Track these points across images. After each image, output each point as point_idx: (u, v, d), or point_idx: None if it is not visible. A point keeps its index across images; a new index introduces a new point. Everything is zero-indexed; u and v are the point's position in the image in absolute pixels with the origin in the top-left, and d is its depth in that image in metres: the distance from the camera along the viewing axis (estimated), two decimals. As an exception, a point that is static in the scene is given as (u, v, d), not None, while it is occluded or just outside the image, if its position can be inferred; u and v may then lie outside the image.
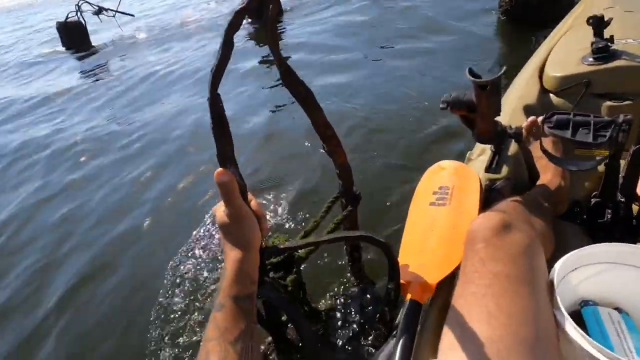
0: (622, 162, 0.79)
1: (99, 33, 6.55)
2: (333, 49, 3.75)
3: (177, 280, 1.48)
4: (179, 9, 7.57)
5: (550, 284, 0.58)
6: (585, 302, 0.64)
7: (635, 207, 0.84)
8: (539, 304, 0.53)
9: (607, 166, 0.79)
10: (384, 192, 1.71)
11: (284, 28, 4.94)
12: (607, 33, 1.15)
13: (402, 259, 0.79)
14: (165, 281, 1.49)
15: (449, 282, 0.73)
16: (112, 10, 6.53)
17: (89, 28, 6.25)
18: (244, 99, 3.07)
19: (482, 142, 0.97)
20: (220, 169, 0.54)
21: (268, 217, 1.68)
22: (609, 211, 0.84)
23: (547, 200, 0.84)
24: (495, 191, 0.94)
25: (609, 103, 1.12)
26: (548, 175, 0.92)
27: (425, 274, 0.73)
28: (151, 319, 1.35)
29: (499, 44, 3.29)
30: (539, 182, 0.91)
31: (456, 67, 2.73)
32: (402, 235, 0.90)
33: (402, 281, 0.74)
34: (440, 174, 0.96)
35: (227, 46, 0.50)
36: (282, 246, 0.78)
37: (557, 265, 0.60)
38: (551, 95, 1.21)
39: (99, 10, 6.70)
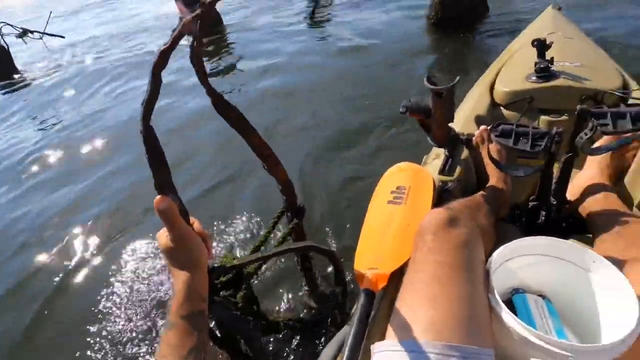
0: (555, 170, 0.87)
1: (24, 57, 6.08)
2: (273, 55, 3.89)
3: (122, 303, 1.46)
4: (114, 27, 7.24)
5: (487, 273, 0.64)
6: (515, 290, 0.71)
7: (565, 210, 0.93)
8: (477, 290, 0.59)
9: (542, 173, 0.87)
10: (343, 195, 1.80)
11: (226, 38, 4.99)
12: (548, 55, 1.27)
13: (359, 253, 0.84)
14: (110, 305, 1.46)
15: (401, 273, 0.77)
16: (38, 32, 6.11)
17: (12, 52, 5.78)
18: (191, 111, 3.06)
19: (437, 146, 1.02)
20: (158, 197, 0.56)
21: (217, 236, 1.69)
22: (544, 213, 0.92)
23: (492, 203, 0.90)
24: (447, 192, 1.00)
25: (548, 117, 1.22)
26: (494, 179, 0.99)
27: (380, 265, 0.77)
28: (95, 344, 1.33)
29: (428, 50, 3.54)
30: (486, 186, 0.99)
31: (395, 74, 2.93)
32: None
33: (358, 272, 0.78)
34: (399, 175, 1.00)
35: (155, 82, 0.54)
36: (229, 265, 0.82)
37: (493, 255, 0.66)
38: (501, 108, 1.32)
39: (24, 33, 6.25)
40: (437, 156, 1.12)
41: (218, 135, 2.44)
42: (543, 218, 0.92)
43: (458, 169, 1.06)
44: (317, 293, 1.17)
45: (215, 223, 1.77)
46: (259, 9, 6.11)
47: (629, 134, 0.79)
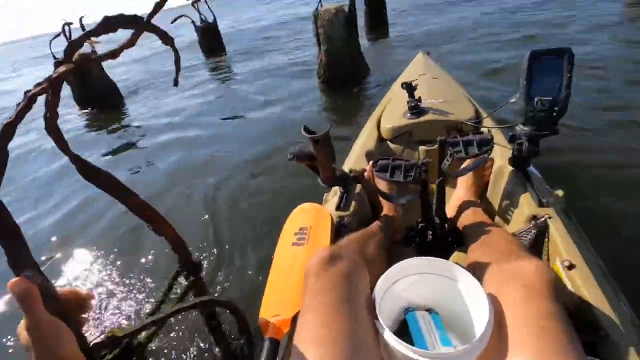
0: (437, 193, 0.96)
1: None
2: (174, 114, 3.95)
3: None
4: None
5: (373, 300, 0.68)
6: (407, 309, 0.76)
7: (448, 226, 1.02)
8: (360, 321, 0.63)
9: (421, 197, 0.94)
10: (250, 241, 1.80)
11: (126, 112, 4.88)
12: (418, 94, 1.46)
13: (265, 299, 0.85)
14: None
15: None
16: None
17: None
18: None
19: (327, 185, 1.06)
20: (12, 280, 0.46)
21: (109, 308, 1.54)
22: (430, 233, 1.00)
23: (385, 230, 0.96)
24: (344, 226, 1.04)
25: (425, 147, 1.38)
26: (385, 208, 1.07)
27: (283, 311, 0.79)
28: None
29: (322, 104, 3.95)
30: (380, 215, 1.06)
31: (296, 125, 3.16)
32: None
33: (262, 320, 0.78)
34: (301, 215, 1.04)
35: (1, 156, 0.53)
36: (111, 337, 0.75)
37: (378, 282, 0.70)
38: (388, 142, 1.46)
39: None
40: (335, 193, 1.19)
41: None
42: (430, 237, 1.00)
43: (353, 203, 1.12)
44: (228, 350, 1.12)
45: (105, 293, 1.62)
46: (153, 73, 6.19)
47: (479, 156, 0.92)
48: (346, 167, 1.31)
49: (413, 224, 1.04)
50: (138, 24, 0.61)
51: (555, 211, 0.94)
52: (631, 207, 1.56)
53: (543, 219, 0.92)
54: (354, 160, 1.36)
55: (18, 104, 0.55)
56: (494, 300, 0.64)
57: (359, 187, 1.15)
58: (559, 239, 0.86)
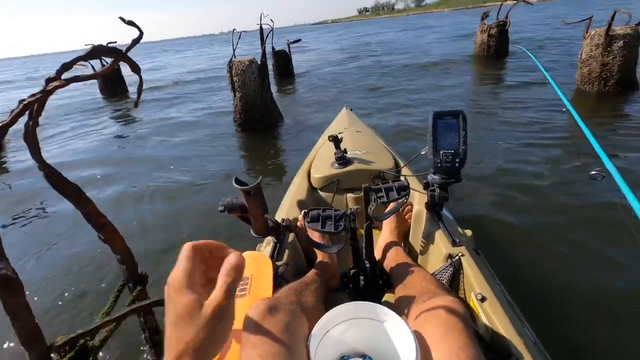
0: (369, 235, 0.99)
1: None
2: (96, 166, 3.64)
3: None
4: None
5: (308, 349, 0.69)
6: (342, 357, 0.76)
7: (378, 269, 1.06)
8: None
9: (351, 245, 0.98)
10: None
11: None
12: (343, 146, 1.55)
13: None
14: None
15: None
16: None
17: None
18: None
19: (260, 236, 1.05)
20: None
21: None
22: (362, 277, 1.03)
23: (320, 278, 0.97)
24: (279, 277, 1.02)
25: (352, 195, 1.46)
26: (319, 256, 1.10)
27: None
28: None
29: (239, 146, 4.14)
30: (316, 263, 1.08)
31: (223, 177, 3.24)
32: None
33: None
34: None
35: None
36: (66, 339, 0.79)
37: (313, 331, 0.71)
38: (319, 191, 1.52)
39: None
40: (268, 243, 1.16)
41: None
42: (363, 281, 1.04)
43: (287, 252, 1.11)
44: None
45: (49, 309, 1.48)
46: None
47: (399, 201, 0.98)
48: (279, 216, 1.36)
49: (346, 270, 1.06)
50: (117, 54, 0.77)
51: (467, 249, 1.04)
52: (521, 236, 1.90)
53: (457, 257, 1.01)
54: (287, 209, 1.38)
55: (12, 110, 0.65)
56: (419, 338, 0.68)
57: (292, 236, 1.17)
58: (471, 274, 0.95)
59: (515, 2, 7.58)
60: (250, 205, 0.94)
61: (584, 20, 4.35)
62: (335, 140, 1.52)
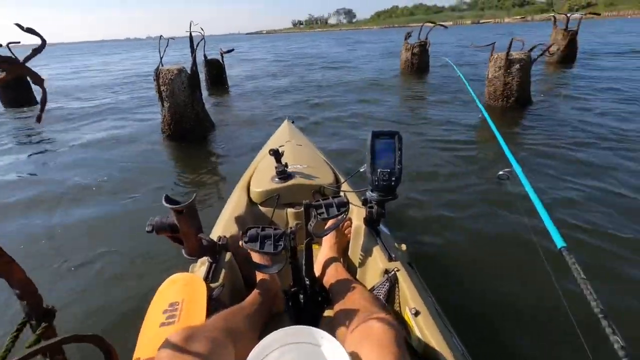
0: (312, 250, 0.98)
1: None
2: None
3: None
4: None
5: None
6: None
7: (317, 286, 1.05)
8: None
9: (290, 263, 0.95)
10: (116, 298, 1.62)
11: None
12: (284, 160, 1.51)
13: None
14: None
15: None
16: None
17: None
18: None
19: (193, 257, 0.99)
20: None
21: None
22: (302, 295, 1.01)
23: (262, 300, 0.94)
24: (214, 300, 0.95)
25: (292, 209, 1.42)
26: (259, 277, 1.05)
27: None
28: None
29: (171, 164, 3.89)
30: (257, 282, 1.04)
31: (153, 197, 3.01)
32: None
33: None
34: (171, 289, 0.92)
35: None
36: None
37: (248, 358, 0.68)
38: (259, 206, 1.47)
39: None
40: (202, 263, 1.09)
41: None
42: (302, 299, 1.01)
43: (223, 273, 1.05)
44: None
45: None
46: None
47: (338, 217, 0.98)
48: (215, 233, 1.29)
49: (286, 288, 1.04)
50: (12, 65, 0.69)
51: (402, 264, 1.06)
52: (454, 250, 2.00)
53: (393, 272, 1.03)
54: (224, 225, 1.31)
55: None
56: (355, 358, 0.69)
57: (229, 254, 1.11)
58: (406, 289, 0.98)
59: (433, 24, 8.38)
60: (182, 225, 0.87)
61: (488, 45, 4.96)
62: (276, 154, 1.48)
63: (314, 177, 1.52)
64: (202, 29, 4.95)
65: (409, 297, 0.96)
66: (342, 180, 1.59)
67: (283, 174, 1.49)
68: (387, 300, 1.02)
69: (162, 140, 4.25)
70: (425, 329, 0.86)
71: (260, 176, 1.60)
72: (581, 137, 3.73)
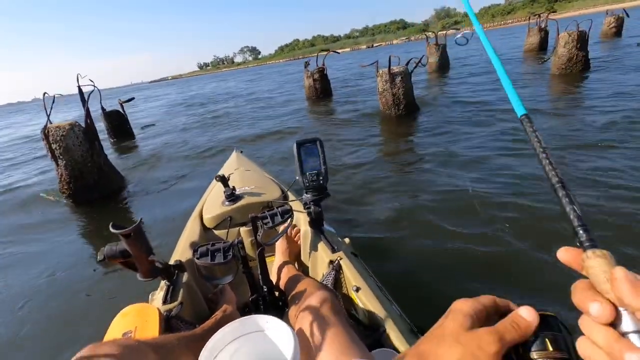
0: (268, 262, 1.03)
1: None
2: None
3: None
4: None
5: None
6: None
7: (276, 291, 1.10)
8: None
9: (244, 273, 1.00)
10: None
11: None
12: (233, 185, 1.61)
13: None
14: None
15: None
16: None
17: None
18: None
19: (148, 278, 1.01)
20: None
21: None
22: (261, 302, 1.06)
23: (221, 315, 0.98)
24: (173, 318, 0.99)
25: (245, 228, 1.51)
26: (222, 290, 1.08)
27: None
28: None
29: (74, 224, 3.58)
30: (211, 298, 1.08)
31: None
32: None
33: None
34: (124, 320, 0.94)
35: None
36: None
37: (200, 357, 0.68)
38: (213, 230, 1.54)
39: None
40: (161, 289, 1.14)
41: None
42: (262, 306, 1.07)
43: (181, 292, 1.09)
44: None
45: None
46: None
47: (283, 223, 1.06)
48: (173, 260, 1.31)
49: (246, 299, 1.09)
50: None
51: (345, 254, 1.19)
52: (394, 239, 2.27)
53: (337, 261, 1.16)
54: (181, 252, 1.39)
55: None
56: (302, 332, 0.76)
57: (186, 275, 1.16)
58: (349, 272, 1.12)
59: (327, 52, 9.16)
60: (132, 248, 0.89)
61: (372, 63, 5.63)
62: (222, 179, 1.56)
63: (261, 195, 1.62)
64: (91, 80, 4.75)
65: (351, 278, 1.09)
66: (287, 192, 1.70)
67: (232, 196, 1.57)
68: (335, 286, 1.13)
69: (63, 203, 3.89)
70: (366, 300, 0.99)
71: (211, 202, 1.68)
72: (458, 119, 4.53)
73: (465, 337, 0.34)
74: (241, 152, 2.61)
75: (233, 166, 2.22)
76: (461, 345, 0.33)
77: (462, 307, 0.36)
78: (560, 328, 0.34)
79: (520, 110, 0.43)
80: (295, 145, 1.25)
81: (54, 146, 3.67)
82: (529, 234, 2.06)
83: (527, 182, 2.70)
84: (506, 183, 2.75)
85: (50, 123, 3.76)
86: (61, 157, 3.71)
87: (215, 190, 1.80)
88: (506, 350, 0.33)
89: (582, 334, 0.31)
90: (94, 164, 3.90)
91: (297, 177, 1.26)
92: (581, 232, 0.33)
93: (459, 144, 3.88)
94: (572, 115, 4.39)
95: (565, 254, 0.33)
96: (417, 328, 0.98)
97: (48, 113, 3.87)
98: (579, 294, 0.30)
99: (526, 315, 0.34)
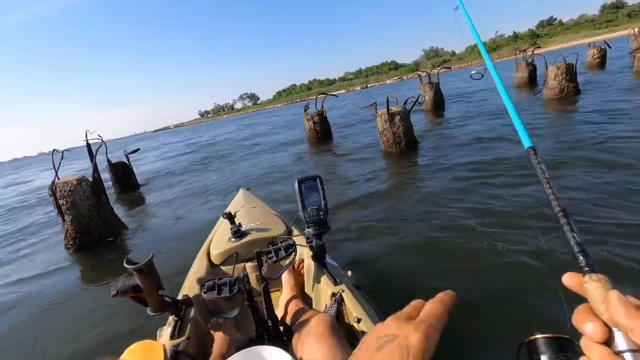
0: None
1: None
2: None
3: None
4: None
5: None
6: None
7: (281, 325, 1.13)
8: None
9: (249, 307, 1.03)
10: None
11: None
12: (239, 222, 1.64)
13: None
14: None
15: None
16: None
17: None
18: None
19: (157, 312, 1.04)
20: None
21: None
22: (266, 336, 1.08)
23: (221, 351, 1.00)
24: (180, 353, 1.01)
25: (250, 263, 1.53)
26: (224, 325, 1.09)
27: None
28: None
29: (80, 273, 3.51)
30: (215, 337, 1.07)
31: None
32: None
33: None
34: (131, 357, 0.96)
35: None
36: None
37: None
38: (220, 267, 1.56)
39: None
40: (169, 324, 1.17)
41: None
42: (266, 341, 1.09)
43: (189, 327, 1.12)
44: None
45: None
46: None
47: (287, 258, 1.09)
48: (180, 295, 1.34)
49: (252, 335, 1.11)
50: None
51: (347, 286, 1.22)
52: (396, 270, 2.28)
53: (339, 293, 1.19)
54: (188, 287, 1.43)
55: None
56: (305, 354, 0.78)
57: (193, 311, 1.19)
58: (350, 304, 1.14)
59: (325, 95, 9.48)
60: (143, 283, 0.92)
61: (371, 105, 5.80)
62: (229, 217, 1.61)
63: (266, 231, 1.66)
64: (99, 135, 4.89)
65: (352, 309, 1.11)
66: (292, 228, 1.75)
67: (238, 232, 1.61)
68: (337, 318, 1.14)
69: (67, 258, 3.83)
70: (367, 331, 0.97)
71: (218, 239, 1.71)
72: (458, 154, 4.58)
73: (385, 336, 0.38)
74: (247, 189, 2.68)
75: (240, 203, 2.26)
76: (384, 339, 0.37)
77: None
78: (575, 350, 0.34)
79: (526, 143, 0.46)
80: (296, 182, 1.30)
81: (60, 202, 3.68)
82: (533, 267, 2.00)
83: (532, 211, 2.67)
84: (507, 216, 2.72)
85: (58, 179, 3.81)
86: (68, 212, 3.72)
87: (223, 227, 1.83)
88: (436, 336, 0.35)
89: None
90: (99, 217, 3.90)
91: (300, 213, 1.31)
92: (581, 257, 0.35)
93: (460, 178, 3.91)
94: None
95: (568, 279, 0.35)
96: None
97: (56, 169, 3.93)
98: (577, 315, 0.32)
99: (437, 299, 0.38)
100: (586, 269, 0.34)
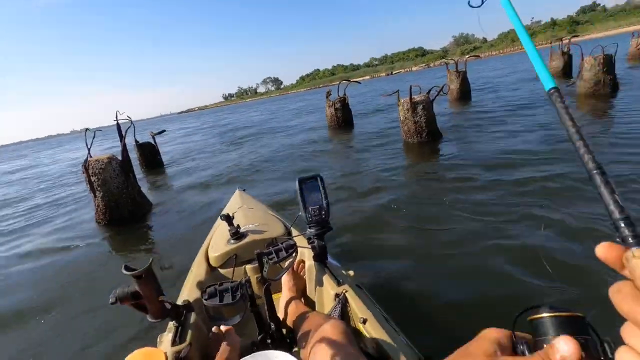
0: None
1: None
2: None
3: None
4: None
5: None
6: None
7: (283, 327, 1.11)
8: None
9: (252, 311, 1.01)
10: None
11: None
12: (237, 223, 1.62)
13: None
14: None
15: None
16: None
17: None
18: None
19: (158, 319, 1.03)
20: None
21: None
22: (269, 340, 1.06)
23: (225, 355, 1.00)
24: (182, 359, 1.00)
25: (250, 265, 1.52)
26: (218, 341, 1.09)
27: None
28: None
29: (109, 246, 3.74)
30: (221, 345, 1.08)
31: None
32: None
33: None
34: None
35: None
36: None
37: None
38: (219, 269, 1.54)
39: None
40: (170, 330, 1.15)
41: None
42: (270, 345, 1.08)
43: (190, 333, 1.10)
44: None
45: None
46: None
47: (288, 258, 1.07)
48: (180, 301, 1.32)
49: (255, 339, 1.09)
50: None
51: (350, 286, 1.21)
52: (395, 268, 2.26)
53: (342, 294, 1.18)
54: (187, 292, 1.40)
55: None
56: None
57: (194, 316, 1.17)
58: (355, 305, 1.13)
59: (348, 81, 9.40)
60: (143, 290, 0.91)
61: (394, 92, 5.73)
62: (227, 218, 1.58)
63: (265, 232, 1.64)
64: (129, 116, 5.08)
65: (357, 310, 1.11)
66: (291, 228, 1.73)
67: (236, 234, 1.59)
68: (342, 319, 1.14)
69: (97, 227, 4.08)
70: (373, 332, 1.01)
71: (216, 242, 1.70)
72: (482, 147, 4.44)
73: None
74: (244, 190, 2.62)
75: (236, 204, 2.24)
76: None
77: (489, 334, 0.36)
78: (589, 331, 0.31)
79: (548, 84, 0.38)
80: (297, 182, 1.29)
81: (93, 178, 3.90)
82: (550, 271, 1.98)
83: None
84: (529, 219, 2.67)
85: (91, 157, 4.02)
86: (99, 188, 3.93)
87: (220, 229, 1.81)
88: None
89: (621, 342, 0.27)
90: (128, 195, 4.11)
91: (300, 213, 1.29)
92: (623, 225, 0.28)
93: (482, 173, 3.78)
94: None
95: (604, 251, 0.28)
96: (425, 358, 0.98)
97: (89, 147, 4.15)
98: (619, 296, 0.26)
99: (563, 348, 0.29)
100: (631, 240, 0.27)
